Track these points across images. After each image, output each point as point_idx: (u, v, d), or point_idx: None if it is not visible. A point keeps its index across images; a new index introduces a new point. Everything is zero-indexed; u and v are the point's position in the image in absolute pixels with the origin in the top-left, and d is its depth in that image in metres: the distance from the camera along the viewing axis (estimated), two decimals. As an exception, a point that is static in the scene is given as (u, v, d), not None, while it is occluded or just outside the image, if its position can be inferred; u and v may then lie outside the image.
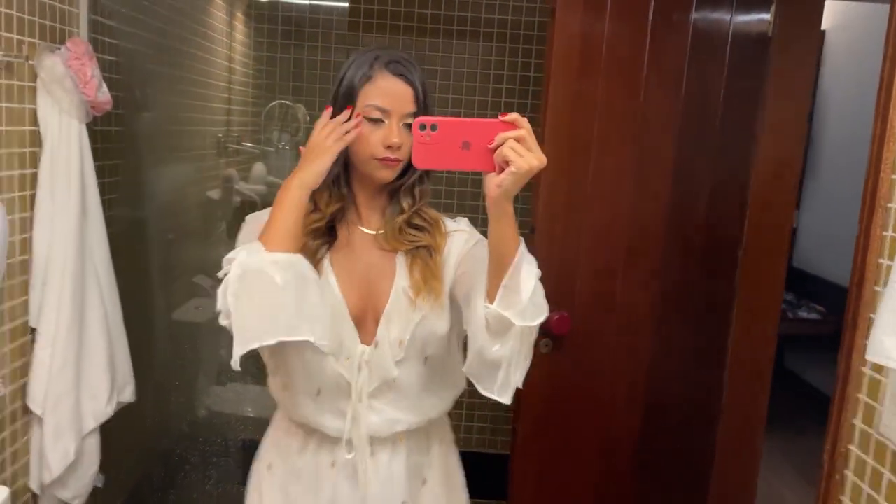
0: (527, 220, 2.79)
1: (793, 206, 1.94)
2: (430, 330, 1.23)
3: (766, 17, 1.89)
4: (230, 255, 1.08)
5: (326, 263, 1.23)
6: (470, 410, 3.05)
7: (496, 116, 0.98)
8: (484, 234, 1.12)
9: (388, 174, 1.19)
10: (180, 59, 2.70)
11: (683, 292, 2.00)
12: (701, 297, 2.01)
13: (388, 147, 1.16)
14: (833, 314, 4.22)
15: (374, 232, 1.26)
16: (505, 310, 1.02)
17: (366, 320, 1.24)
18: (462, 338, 1.28)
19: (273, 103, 2.97)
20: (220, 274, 1.08)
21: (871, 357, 1.05)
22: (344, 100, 1.18)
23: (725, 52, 1.91)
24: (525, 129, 0.97)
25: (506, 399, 1.09)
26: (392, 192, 1.25)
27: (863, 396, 1.28)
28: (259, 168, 3.19)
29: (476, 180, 1.01)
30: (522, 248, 1.03)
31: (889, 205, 1.24)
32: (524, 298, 1.01)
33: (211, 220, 2.98)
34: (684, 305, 2.00)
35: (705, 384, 2.00)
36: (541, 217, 1.88)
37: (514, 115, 0.97)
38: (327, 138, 1.13)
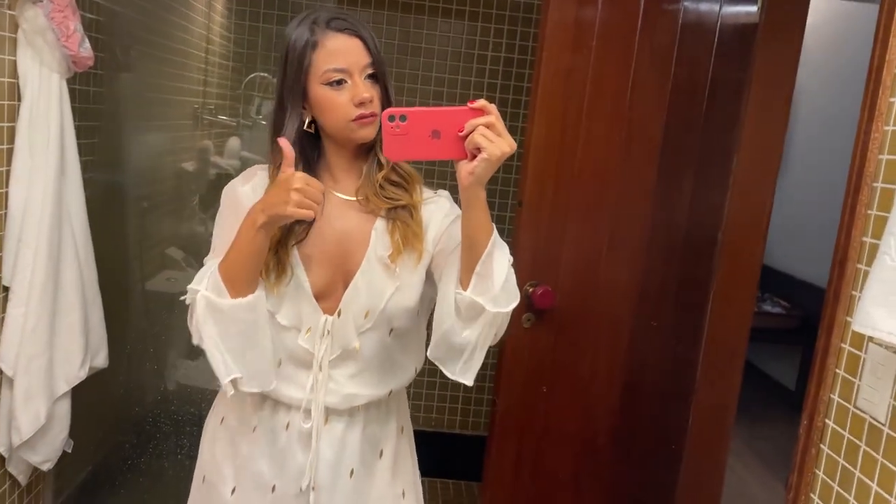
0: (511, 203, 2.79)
1: (772, 191, 1.97)
2: (402, 303, 1.22)
3: (754, 9, 1.92)
4: (193, 284, 1.14)
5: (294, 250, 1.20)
6: (443, 391, 3.05)
7: (478, 96, 0.99)
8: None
9: (368, 132, 1.17)
10: (159, 24, 2.65)
11: (665, 271, 2.03)
12: (681, 277, 2.04)
13: (361, 104, 1.14)
14: (797, 309, 4.32)
15: (351, 197, 1.23)
16: (478, 296, 1.03)
17: (336, 288, 1.22)
18: (430, 312, 1.28)
19: (253, 75, 2.93)
20: (186, 300, 1.16)
21: (857, 328, 1.07)
22: (297, 75, 1.15)
23: (713, 41, 1.94)
24: (494, 114, 0.97)
25: (468, 381, 1.11)
26: (368, 148, 1.23)
27: (841, 371, 1.30)
28: (234, 142, 3.14)
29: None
30: (495, 234, 1.03)
31: (875, 184, 1.27)
32: (497, 285, 1.03)
33: (185, 192, 2.93)
34: (665, 284, 2.03)
35: (682, 363, 2.03)
36: (528, 191, 1.89)
37: (482, 102, 0.97)
38: (297, 203, 1.06)
